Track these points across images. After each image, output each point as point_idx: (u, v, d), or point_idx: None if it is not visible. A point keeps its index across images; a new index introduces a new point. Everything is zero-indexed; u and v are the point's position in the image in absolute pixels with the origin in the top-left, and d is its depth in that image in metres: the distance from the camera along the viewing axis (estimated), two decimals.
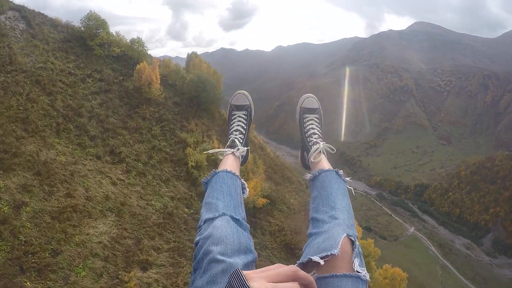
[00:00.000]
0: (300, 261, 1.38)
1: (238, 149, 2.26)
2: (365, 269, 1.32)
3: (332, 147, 2.29)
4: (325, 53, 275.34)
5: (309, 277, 0.97)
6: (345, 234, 1.42)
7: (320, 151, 2.24)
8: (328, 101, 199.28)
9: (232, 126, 2.44)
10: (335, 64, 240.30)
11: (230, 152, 2.24)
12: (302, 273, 0.95)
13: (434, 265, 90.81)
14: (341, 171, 2.09)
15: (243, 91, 2.57)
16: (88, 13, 35.84)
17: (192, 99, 35.38)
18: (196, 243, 1.55)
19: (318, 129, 2.39)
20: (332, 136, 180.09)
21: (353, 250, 1.38)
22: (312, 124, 2.40)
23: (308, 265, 1.34)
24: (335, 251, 1.33)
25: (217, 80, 44.43)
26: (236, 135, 2.37)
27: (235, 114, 2.49)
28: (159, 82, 32.99)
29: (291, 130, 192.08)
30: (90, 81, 29.44)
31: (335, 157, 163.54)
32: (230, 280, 0.86)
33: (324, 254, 1.33)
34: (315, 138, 2.31)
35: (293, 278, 0.93)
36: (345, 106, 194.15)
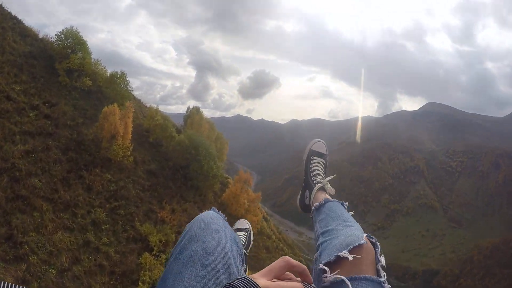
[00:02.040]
0: (326, 260, 1.27)
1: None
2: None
3: (333, 190, 2.21)
4: (338, 130, 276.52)
5: (302, 265, 0.96)
6: (365, 235, 1.36)
7: (325, 190, 2.17)
8: (339, 179, 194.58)
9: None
10: (347, 142, 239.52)
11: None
12: (295, 261, 0.93)
13: None
14: (346, 203, 2.02)
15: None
16: (65, 28, 27.80)
17: (178, 169, 26.98)
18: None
19: (323, 172, 2.33)
20: None
21: (375, 251, 1.30)
22: (318, 166, 2.36)
23: (333, 265, 1.25)
24: (363, 241, 1.27)
25: (221, 147, 37.49)
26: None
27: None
28: (129, 137, 23.92)
29: (296, 205, 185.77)
30: (31, 115, 21.22)
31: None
32: (237, 283, 0.87)
33: (351, 246, 1.25)
34: (319, 179, 2.24)
35: (287, 268, 0.92)
36: (353, 185, 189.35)
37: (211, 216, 1.41)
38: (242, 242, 2.35)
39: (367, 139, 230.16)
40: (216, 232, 1.32)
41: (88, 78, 27.13)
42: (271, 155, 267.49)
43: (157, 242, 18.13)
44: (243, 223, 2.69)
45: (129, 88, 30.56)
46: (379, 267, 1.24)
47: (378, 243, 1.34)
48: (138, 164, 23.54)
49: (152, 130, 28.14)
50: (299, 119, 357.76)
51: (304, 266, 1.04)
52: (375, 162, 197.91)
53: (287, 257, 1.00)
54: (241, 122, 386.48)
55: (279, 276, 0.92)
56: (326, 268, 1.22)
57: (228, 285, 0.89)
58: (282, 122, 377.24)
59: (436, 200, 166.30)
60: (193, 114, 34.86)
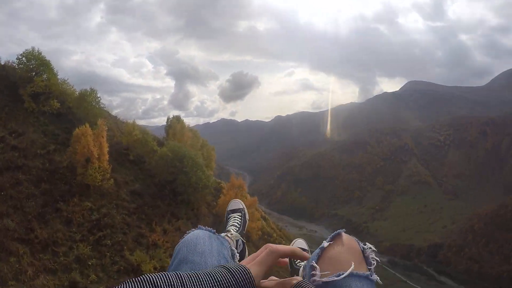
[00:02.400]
0: (315, 257, 1.33)
1: (231, 233, 2.20)
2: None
3: (242, 239, 2.29)
4: (323, 120, 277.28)
5: (288, 247, 1.07)
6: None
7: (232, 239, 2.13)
8: (329, 169, 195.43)
9: (228, 225, 2.50)
10: (333, 131, 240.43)
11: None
12: (280, 246, 0.99)
13: None
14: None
15: (236, 199, 2.77)
16: (26, 50, 24.83)
17: (165, 185, 24.84)
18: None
19: (238, 223, 2.46)
20: (335, 204, 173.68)
21: (361, 248, 1.35)
22: (234, 220, 2.51)
23: (321, 264, 1.30)
24: (342, 230, 1.35)
25: (208, 154, 35.57)
26: (231, 228, 2.41)
27: (231, 216, 2.60)
28: (106, 158, 21.53)
29: (293, 200, 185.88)
30: None
31: (341, 225, 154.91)
32: (234, 274, 0.91)
33: (331, 235, 1.35)
34: (232, 229, 2.34)
35: (275, 255, 1.00)
36: (345, 172, 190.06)
37: (197, 236, 1.49)
38: (237, 224, 2.44)
39: (353, 125, 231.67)
40: (202, 252, 1.40)
41: (56, 100, 24.65)
42: (260, 154, 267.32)
43: (152, 270, 15.65)
44: (237, 204, 2.68)
45: (102, 105, 28.12)
46: (368, 255, 1.29)
47: (368, 244, 1.40)
48: (120, 186, 21.23)
49: (132, 147, 25.60)
50: (283, 114, 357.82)
51: (293, 248, 1.10)
52: (364, 147, 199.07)
53: (270, 244, 1.03)
54: (226, 126, 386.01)
55: (271, 266, 0.93)
56: (316, 265, 1.26)
57: (223, 267, 0.95)
58: (267, 120, 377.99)
59: (429, 175, 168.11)
60: (174, 124, 32.23)
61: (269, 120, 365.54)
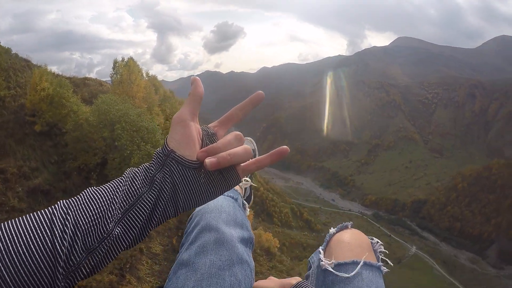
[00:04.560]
0: (323, 246, 1.34)
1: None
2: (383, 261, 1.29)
3: (252, 183, 1.89)
4: (310, 72, 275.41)
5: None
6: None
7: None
8: (316, 121, 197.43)
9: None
10: (320, 84, 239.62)
11: None
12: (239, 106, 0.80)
13: (441, 285, 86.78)
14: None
15: (249, 138, 2.24)
16: None
17: (92, 172, 16.51)
18: (189, 219, 1.41)
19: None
20: (322, 157, 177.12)
21: (372, 245, 1.32)
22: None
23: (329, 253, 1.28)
24: (350, 223, 1.34)
25: (174, 113, 25.97)
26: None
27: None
28: None
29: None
30: None
31: (328, 178, 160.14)
32: None
33: (339, 226, 1.34)
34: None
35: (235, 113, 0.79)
36: (333, 125, 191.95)
37: (221, 203, 1.40)
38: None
39: (341, 78, 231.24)
40: (228, 221, 1.31)
41: None
42: None
43: None
44: (249, 143, 2.15)
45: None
46: (377, 248, 1.28)
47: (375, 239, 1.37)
48: (10, 182, 13.45)
49: (39, 111, 15.60)
50: (269, 66, 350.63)
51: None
52: (352, 100, 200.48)
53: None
54: (211, 78, 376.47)
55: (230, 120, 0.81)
56: (322, 250, 1.28)
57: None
58: (252, 72, 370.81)
59: (416, 132, 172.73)
60: (119, 68, 20.40)
61: (255, 71, 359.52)
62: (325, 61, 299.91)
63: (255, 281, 1.17)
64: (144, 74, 26.03)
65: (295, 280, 1.14)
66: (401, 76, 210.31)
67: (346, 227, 1.34)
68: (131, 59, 22.72)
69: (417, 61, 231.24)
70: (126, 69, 21.62)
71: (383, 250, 1.32)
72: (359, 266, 1.11)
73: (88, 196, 0.65)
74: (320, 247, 1.32)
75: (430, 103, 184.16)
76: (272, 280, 1.22)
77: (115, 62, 22.54)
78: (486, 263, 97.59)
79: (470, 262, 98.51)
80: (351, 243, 1.25)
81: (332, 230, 1.34)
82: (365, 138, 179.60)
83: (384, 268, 1.21)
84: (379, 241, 1.35)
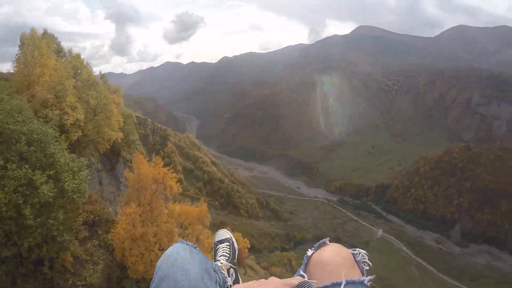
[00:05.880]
0: (302, 267, 1.37)
1: (221, 262, 2.21)
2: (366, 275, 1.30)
3: (234, 267, 2.27)
4: (272, 61, 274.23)
5: None
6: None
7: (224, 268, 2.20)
8: (281, 109, 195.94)
9: (217, 256, 2.42)
10: (283, 72, 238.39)
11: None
12: None
13: (409, 266, 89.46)
14: None
15: (223, 229, 2.65)
16: None
17: None
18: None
19: (228, 253, 2.40)
20: (287, 144, 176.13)
21: (354, 256, 1.34)
22: (223, 250, 2.42)
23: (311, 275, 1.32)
24: (327, 239, 1.37)
25: (104, 103, 18.72)
26: (221, 258, 2.35)
27: (219, 247, 2.51)
28: None
29: (243, 142, 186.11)
30: None
31: (292, 166, 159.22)
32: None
33: (317, 245, 1.36)
34: (222, 259, 2.31)
35: None
36: (296, 112, 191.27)
37: (178, 251, 1.45)
38: (226, 253, 2.34)
39: (303, 66, 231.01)
40: (184, 267, 1.37)
41: None
42: (208, 97, 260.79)
43: None
44: (224, 234, 2.56)
45: None
46: (360, 260, 1.28)
47: (362, 251, 1.37)
48: None
49: None
50: (230, 55, 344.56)
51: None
52: (314, 87, 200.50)
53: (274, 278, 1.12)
54: (172, 69, 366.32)
55: None
56: (304, 274, 1.27)
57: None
58: (213, 62, 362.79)
59: (378, 118, 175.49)
60: (26, 47, 15.65)
61: (216, 61, 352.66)
62: (286, 50, 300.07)
63: (256, 281, 1.17)
64: (67, 52, 20.61)
65: (297, 280, 1.13)
66: (363, 64, 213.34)
67: (324, 244, 1.33)
68: (34, 30, 16.45)
69: (378, 49, 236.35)
70: (29, 44, 15.42)
71: (367, 261, 1.33)
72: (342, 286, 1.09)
73: None
74: (300, 269, 1.31)
75: (391, 90, 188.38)
76: (274, 281, 1.20)
77: (23, 37, 16.09)
78: (450, 243, 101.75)
79: (435, 242, 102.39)
80: (331, 263, 1.23)
81: (309, 251, 1.32)
82: (329, 126, 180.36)
83: (369, 281, 1.21)
84: (361, 251, 1.35)
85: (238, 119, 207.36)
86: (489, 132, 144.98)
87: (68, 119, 15.23)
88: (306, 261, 1.31)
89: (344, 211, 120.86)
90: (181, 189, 17.86)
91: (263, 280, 1.16)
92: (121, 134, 21.99)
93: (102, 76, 26.22)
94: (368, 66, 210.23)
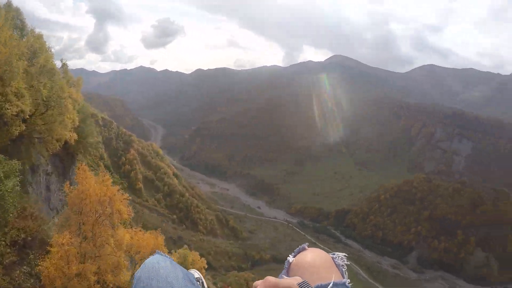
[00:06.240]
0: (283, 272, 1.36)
1: None
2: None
3: None
4: (245, 79, 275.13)
5: None
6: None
7: None
8: (248, 127, 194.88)
9: None
10: (255, 91, 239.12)
11: None
12: None
13: None
14: None
15: (192, 269, 2.49)
16: None
17: None
18: None
19: None
20: (249, 164, 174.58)
21: (334, 260, 1.35)
22: None
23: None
24: (306, 244, 1.38)
25: (56, 93, 15.42)
26: None
27: None
28: None
29: (207, 156, 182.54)
30: None
31: (254, 185, 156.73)
32: None
33: (296, 250, 1.37)
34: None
35: None
36: (263, 132, 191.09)
37: (158, 261, 1.39)
38: None
39: (275, 87, 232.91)
40: (167, 278, 1.32)
41: None
42: (177, 107, 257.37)
43: None
44: (193, 273, 2.33)
45: None
46: (339, 263, 1.29)
47: (340, 254, 1.37)
48: None
49: None
50: (205, 68, 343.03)
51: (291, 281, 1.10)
52: (283, 110, 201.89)
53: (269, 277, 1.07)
54: (145, 74, 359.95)
55: None
56: (284, 276, 1.29)
57: None
58: (187, 72, 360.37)
59: (342, 145, 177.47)
60: None
61: (190, 72, 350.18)
62: (260, 70, 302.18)
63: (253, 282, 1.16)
64: (29, 32, 16.95)
65: (296, 280, 1.12)
66: (333, 91, 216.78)
67: (304, 249, 1.35)
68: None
69: (350, 79, 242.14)
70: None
71: (346, 262, 1.34)
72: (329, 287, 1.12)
73: None
74: (282, 274, 1.31)
75: (358, 119, 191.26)
76: (270, 281, 1.16)
77: None
78: (407, 268, 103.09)
79: (392, 267, 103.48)
80: (312, 266, 1.25)
81: (290, 257, 1.34)
82: (294, 148, 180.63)
83: (350, 283, 1.23)
84: (340, 254, 1.36)
85: (204, 133, 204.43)
86: (449, 166, 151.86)
87: (9, 109, 12.11)
88: (287, 266, 1.31)
89: (304, 233, 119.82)
90: (132, 214, 14.40)
91: (260, 281, 1.12)
92: (75, 135, 18.49)
93: (63, 64, 23.47)
94: (338, 94, 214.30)
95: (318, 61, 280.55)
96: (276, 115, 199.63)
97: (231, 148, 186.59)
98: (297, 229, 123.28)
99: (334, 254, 1.33)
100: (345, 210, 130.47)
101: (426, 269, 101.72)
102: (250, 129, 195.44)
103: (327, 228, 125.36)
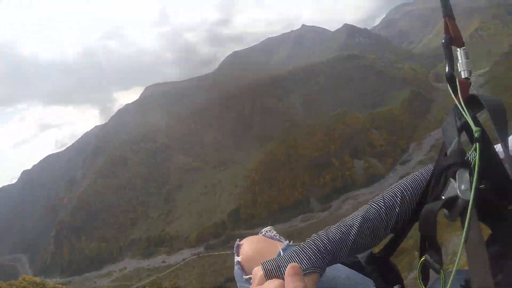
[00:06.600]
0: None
1: None
2: None
3: None
4: (70, 158, 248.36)
5: None
6: None
7: None
8: (101, 203, 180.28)
9: None
10: (85, 165, 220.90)
11: None
12: None
13: None
14: None
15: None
16: None
17: None
18: None
19: None
20: (124, 232, 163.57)
21: (266, 236, 1.52)
22: None
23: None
24: (238, 241, 1.49)
25: None
26: None
27: None
28: None
29: (80, 252, 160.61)
30: None
31: (145, 246, 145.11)
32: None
33: (235, 249, 1.47)
34: None
35: None
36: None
37: None
38: None
39: (104, 148, 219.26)
40: None
41: None
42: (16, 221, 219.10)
43: None
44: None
45: None
46: (272, 235, 1.46)
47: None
48: None
49: None
50: (29, 167, 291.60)
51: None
52: (125, 164, 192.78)
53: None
54: None
55: None
56: (246, 276, 1.36)
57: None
58: (13, 182, 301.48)
59: (194, 162, 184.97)
60: None
61: (16, 180, 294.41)
62: (83, 138, 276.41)
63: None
64: None
65: (259, 270, 1.11)
66: (161, 120, 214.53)
67: (240, 246, 1.44)
68: None
69: (170, 102, 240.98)
70: None
71: (274, 231, 1.50)
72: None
73: None
74: (243, 275, 1.35)
75: (193, 133, 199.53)
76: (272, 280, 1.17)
77: None
78: None
79: None
80: (257, 253, 1.35)
81: (236, 257, 1.40)
82: (153, 191, 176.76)
83: (291, 241, 1.43)
84: (266, 228, 1.53)
85: (65, 232, 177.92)
86: None
87: None
88: (240, 266, 1.34)
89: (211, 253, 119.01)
90: None
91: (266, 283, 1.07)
92: None
93: None
94: (168, 121, 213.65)
95: (134, 101, 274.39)
96: (119, 173, 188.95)
97: (98, 229, 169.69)
98: (207, 255, 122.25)
99: (262, 232, 1.45)
100: (234, 209, 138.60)
101: None
102: (105, 201, 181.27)
103: (232, 234, 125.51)
